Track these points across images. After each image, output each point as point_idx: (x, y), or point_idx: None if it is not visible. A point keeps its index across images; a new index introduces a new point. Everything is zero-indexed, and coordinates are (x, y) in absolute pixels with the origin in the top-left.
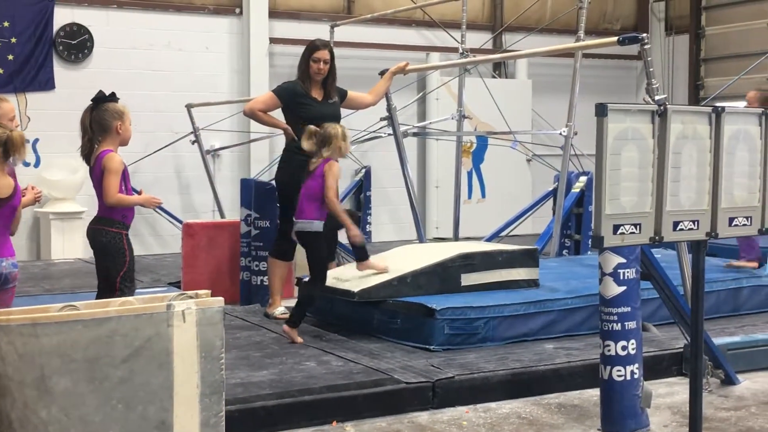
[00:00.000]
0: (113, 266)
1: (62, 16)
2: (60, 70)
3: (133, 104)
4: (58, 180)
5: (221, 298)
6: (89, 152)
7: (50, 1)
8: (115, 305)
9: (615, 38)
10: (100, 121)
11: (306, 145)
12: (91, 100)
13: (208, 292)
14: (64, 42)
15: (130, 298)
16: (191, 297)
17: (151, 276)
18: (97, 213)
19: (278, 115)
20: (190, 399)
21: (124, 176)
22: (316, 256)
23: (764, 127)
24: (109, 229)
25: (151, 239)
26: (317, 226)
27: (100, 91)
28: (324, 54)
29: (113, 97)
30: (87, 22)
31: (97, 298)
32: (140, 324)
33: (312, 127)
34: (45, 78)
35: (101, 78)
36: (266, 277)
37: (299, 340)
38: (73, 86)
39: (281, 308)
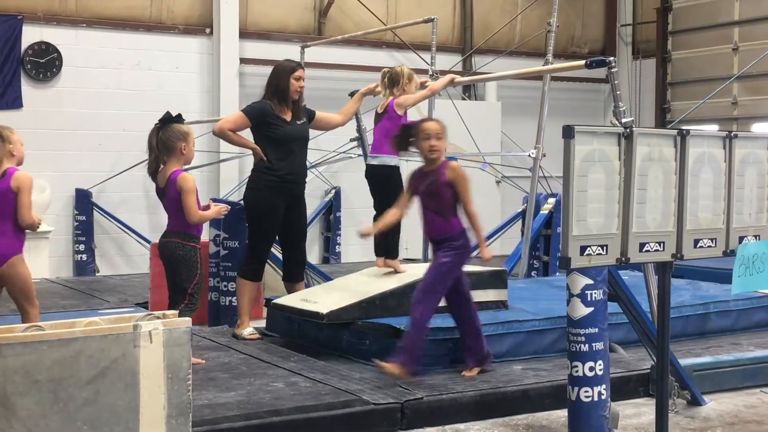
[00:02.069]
0: (187, 278)
1: (31, 35)
2: (28, 89)
3: (102, 123)
4: None
5: (189, 319)
6: (155, 170)
7: (19, 19)
8: (81, 325)
9: (583, 62)
10: (166, 142)
11: (379, 87)
12: (159, 121)
13: (176, 312)
14: (32, 60)
15: (96, 319)
16: (158, 317)
17: (119, 296)
18: (168, 228)
19: (247, 134)
20: (157, 420)
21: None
22: (393, 187)
23: (728, 150)
24: (187, 243)
25: (119, 259)
26: (395, 160)
27: (167, 113)
28: (303, 73)
29: (179, 119)
30: (56, 41)
31: (170, 308)
32: (106, 344)
33: (385, 69)
34: (13, 97)
35: (70, 97)
36: (235, 297)
37: (403, 269)
38: (41, 105)
39: (249, 329)
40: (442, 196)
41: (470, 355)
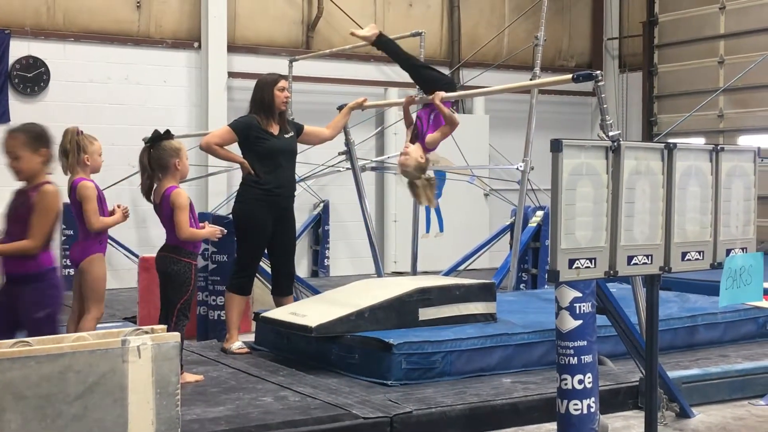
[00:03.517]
0: (176, 294)
1: (18, 49)
2: (15, 103)
3: None
4: None
5: (177, 333)
6: (148, 189)
7: (6, 33)
8: (69, 341)
9: (570, 75)
10: (159, 160)
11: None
12: (148, 140)
13: (164, 327)
14: (19, 75)
15: (84, 334)
16: (147, 332)
17: (107, 310)
18: (167, 242)
19: (235, 149)
20: None
21: (191, 210)
22: None
23: (715, 163)
24: (181, 258)
25: (107, 273)
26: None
27: (155, 131)
28: (286, 84)
29: (168, 135)
30: (43, 55)
31: (160, 321)
32: (95, 360)
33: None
34: (0, 111)
35: (57, 111)
36: (223, 311)
37: None
38: (28, 119)
39: (238, 343)
40: (27, 224)
41: None
